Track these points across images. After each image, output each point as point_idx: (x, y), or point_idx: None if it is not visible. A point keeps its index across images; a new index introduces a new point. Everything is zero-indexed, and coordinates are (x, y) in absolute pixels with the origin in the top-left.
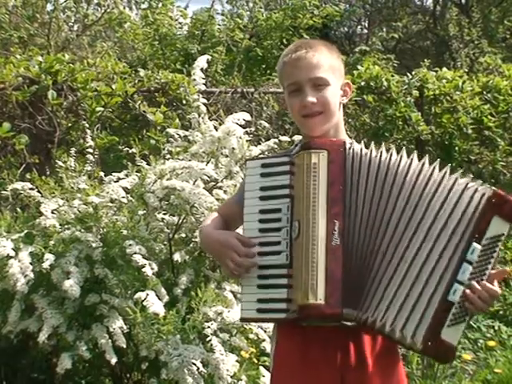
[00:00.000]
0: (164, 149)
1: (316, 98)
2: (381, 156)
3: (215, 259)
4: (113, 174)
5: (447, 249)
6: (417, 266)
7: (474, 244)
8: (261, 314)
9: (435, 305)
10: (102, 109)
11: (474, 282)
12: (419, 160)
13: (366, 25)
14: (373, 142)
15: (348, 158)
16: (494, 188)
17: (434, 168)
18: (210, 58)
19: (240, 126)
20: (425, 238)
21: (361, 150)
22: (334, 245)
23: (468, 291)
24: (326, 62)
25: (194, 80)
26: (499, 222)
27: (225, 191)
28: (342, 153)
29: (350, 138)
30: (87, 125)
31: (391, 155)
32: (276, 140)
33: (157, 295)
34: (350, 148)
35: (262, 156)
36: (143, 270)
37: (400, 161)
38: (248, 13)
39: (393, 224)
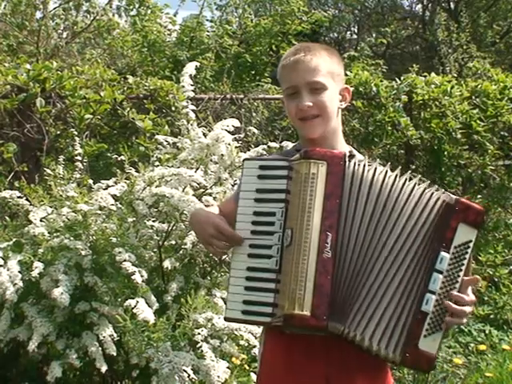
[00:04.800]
0: (153, 156)
1: (312, 102)
2: (377, 173)
3: (198, 238)
4: (102, 181)
5: (420, 261)
6: (396, 280)
7: (442, 253)
8: (245, 315)
9: (410, 316)
10: (90, 116)
11: (448, 302)
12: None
13: (356, 30)
14: (367, 157)
15: (347, 172)
16: (455, 196)
17: (430, 191)
18: (198, 64)
19: (229, 132)
20: (406, 256)
21: (359, 164)
22: (326, 257)
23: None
24: (325, 66)
25: (183, 87)
26: (466, 229)
27: (214, 198)
28: (341, 166)
29: (351, 145)
30: (76, 132)
31: (386, 173)
32: (265, 146)
33: (147, 302)
34: (350, 161)
35: (260, 157)
36: (133, 277)
37: (394, 180)
38: (237, 19)
39: (383, 243)
